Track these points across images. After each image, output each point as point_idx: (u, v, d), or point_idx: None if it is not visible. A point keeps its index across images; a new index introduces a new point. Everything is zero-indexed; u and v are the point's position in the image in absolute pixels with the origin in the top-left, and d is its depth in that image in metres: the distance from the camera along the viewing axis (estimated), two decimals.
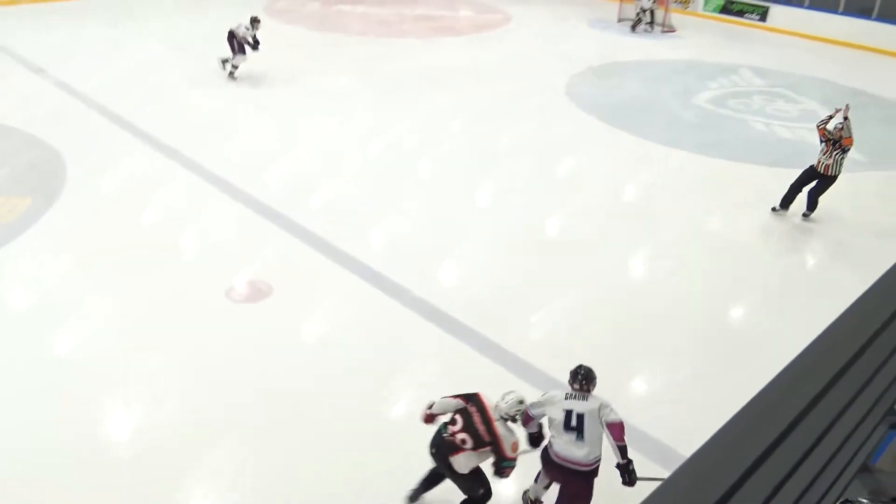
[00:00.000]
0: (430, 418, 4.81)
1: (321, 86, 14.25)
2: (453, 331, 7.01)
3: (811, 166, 9.37)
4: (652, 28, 19.93)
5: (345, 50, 17.03)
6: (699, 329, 7.30)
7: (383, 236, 8.91)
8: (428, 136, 12.12)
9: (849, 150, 9.10)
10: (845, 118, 9.08)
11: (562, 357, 6.55)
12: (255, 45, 13.76)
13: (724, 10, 21.93)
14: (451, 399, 4.78)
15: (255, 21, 13.78)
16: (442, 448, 4.59)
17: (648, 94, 14.86)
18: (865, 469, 1.72)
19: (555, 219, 9.57)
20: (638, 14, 19.91)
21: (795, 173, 9.54)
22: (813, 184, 9.42)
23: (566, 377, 4.80)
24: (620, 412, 4.59)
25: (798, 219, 9.66)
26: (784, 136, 12.90)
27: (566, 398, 4.64)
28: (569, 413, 4.56)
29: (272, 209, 9.18)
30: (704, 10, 22.28)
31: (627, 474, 4.44)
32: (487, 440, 4.50)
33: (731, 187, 10.68)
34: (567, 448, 4.52)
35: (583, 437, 4.48)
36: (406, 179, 10.43)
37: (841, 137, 9.02)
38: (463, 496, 4.79)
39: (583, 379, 4.69)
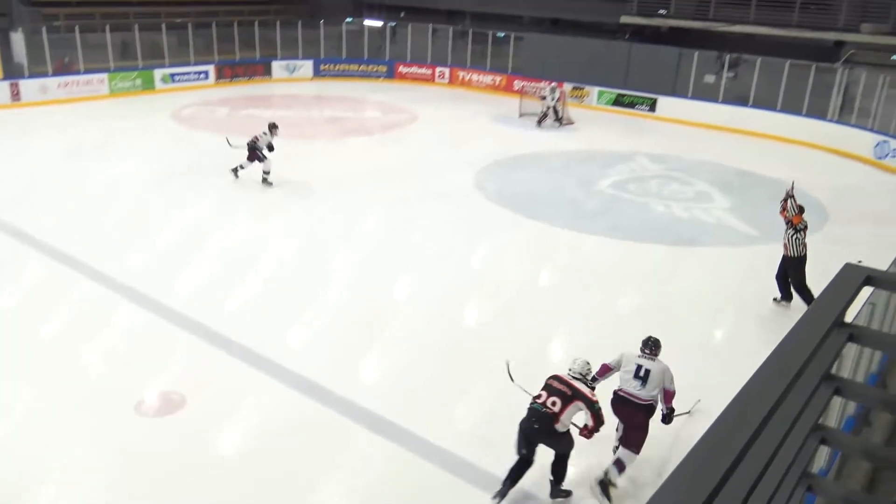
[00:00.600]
0: None
1: (231, 190, 14.17)
2: (379, 429, 6.83)
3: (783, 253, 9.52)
4: (560, 123, 21.03)
5: None
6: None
7: (299, 336, 8.73)
8: (341, 233, 12.16)
9: (802, 227, 9.27)
10: (791, 197, 9.40)
11: (488, 447, 6.49)
12: (270, 149, 14.03)
13: (617, 102, 23.43)
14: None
15: (273, 127, 14.13)
16: (542, 420, 5.71)
17: (554, 184, 15.50)
18: None
19: (473, 309, 9.66)
20: (544, 111, 21.01)
21: (696, 251, 9.99)
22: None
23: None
24: None
25: (708, 294, 10.09)
26: (682, 216, 13.63)
27: (639, 357, 6.24)
28: (639, 367, 6.16)
29: (182, 315, 8.88)
30: (599, 103, 23.73)
31: (667, 418, 6.30)
32: (570, 393, 5.78)
33: (639, 267, 11.11)
34: (631, 388, 6.10)
35: (644, 385, 6.08)
36: (321, 278, 10.35)
37: (790, 217, 9.32)
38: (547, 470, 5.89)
39: (652, 346, 6.29)
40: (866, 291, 2.30)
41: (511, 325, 9.09)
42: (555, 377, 5.93)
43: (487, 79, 26.11)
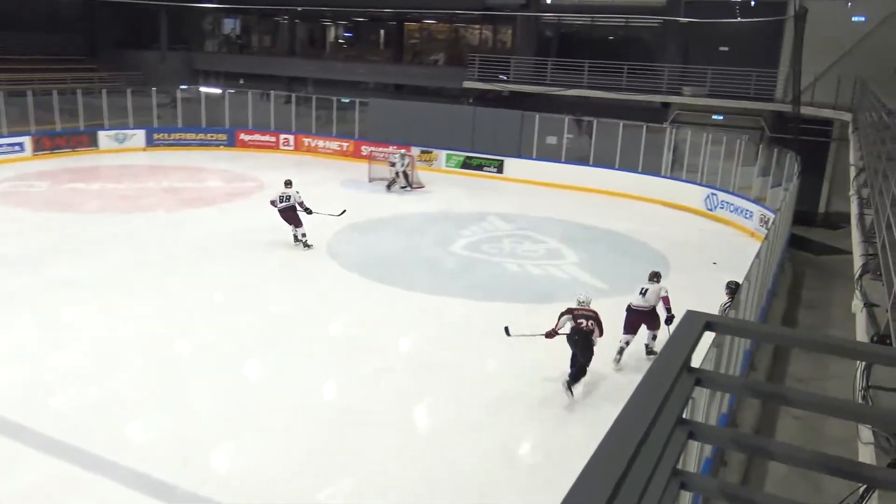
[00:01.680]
0: (552, 335, 8.70)
1: (57, 270, 12.44)
2: None
3: None
4: (410, 187, 20.87)
5: (82, 230, 15.43)
6: (479, 485, 6.83)
7: (137, 429, 7.65)
8: (187, 315, 10.88)
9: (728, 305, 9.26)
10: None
11: None
12: (306, 210, 14.05)
13: (465, 165, 23.69)
14: (561, 319, 8.63)
15: (288, 184, 14.14)
16: (583, 335, 8.36)
17: (409, 246, 15.14)
18: None
19: (332, 382, 8.98)
20: (393, 177, 20.81)
21: (554, 306, 9.81)
22: None
23: None
24: None
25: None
26: (535, 274, 13.60)
27: (646, 283, 9.63)
28: (642, 288, 9.53)
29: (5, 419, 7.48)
30: (447, 166, 23.88)
31: (668, 321, 9.08)
32: (592, 315, 8.52)
33: (497, 327, 10.72)
34: (637, 301, 9.50)
35: (644, 297, 9.45)
36: (162, 361, 9.20)
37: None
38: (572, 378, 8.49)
39: (654, 276, 9.69)
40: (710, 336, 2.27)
41: (377, 391, 8.58)
42: (575, 310, 8.56)
43: (334, 145, 25.70)
